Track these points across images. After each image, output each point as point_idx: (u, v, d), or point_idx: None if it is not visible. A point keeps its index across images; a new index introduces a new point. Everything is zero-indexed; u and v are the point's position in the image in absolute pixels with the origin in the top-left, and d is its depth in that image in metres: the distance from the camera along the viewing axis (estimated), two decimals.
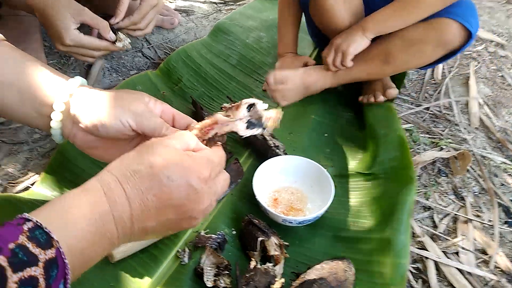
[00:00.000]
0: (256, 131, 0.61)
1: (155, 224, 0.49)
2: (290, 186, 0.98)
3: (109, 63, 1.33)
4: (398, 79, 1.26)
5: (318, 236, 0.91)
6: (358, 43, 1.09)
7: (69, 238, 0.42)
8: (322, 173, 0.95)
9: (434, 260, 0.95)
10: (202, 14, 1.65)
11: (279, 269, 0.82)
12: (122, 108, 0.58)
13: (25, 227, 0.39)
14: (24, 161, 1.03)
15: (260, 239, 0.82)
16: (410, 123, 1.29)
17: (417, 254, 0.96)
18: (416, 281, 0.92)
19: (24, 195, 0.89)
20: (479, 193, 1.11)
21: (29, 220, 0.40)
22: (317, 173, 0.96)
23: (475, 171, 1.16)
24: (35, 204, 0.84)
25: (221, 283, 0.78)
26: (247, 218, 0.87)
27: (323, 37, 1.22)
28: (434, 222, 1.04)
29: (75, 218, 0.44)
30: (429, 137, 1.25)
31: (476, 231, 1.01)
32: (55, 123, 0.60)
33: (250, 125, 0.61)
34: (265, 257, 0.83)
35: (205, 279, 0.78)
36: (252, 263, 0.80)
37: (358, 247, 0.88)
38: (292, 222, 0.88)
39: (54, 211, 0.44)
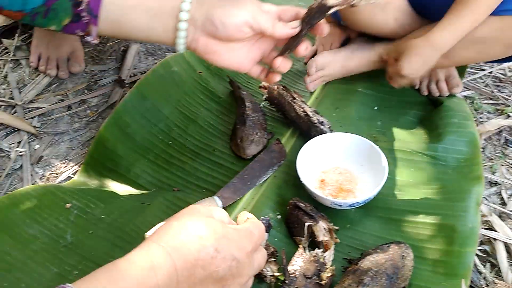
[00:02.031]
0: None
1: None
2: (338, 166, 0.91)
3: (144, 46, 1.31)
4: (461, 68, 1.13)
5: (370, 219, 0.84)
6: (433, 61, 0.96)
7: None
8: (374, 150, 0.87)
9: (503, 242, 0.85)
10: None
11: (329, 255, 0.76)
12: (238, 7, 0.62)
13: None
14: (65, 151, 1.03)
15: (307, 224, 0.77)
16: (470, 89, 1.16)
17: (484, 235, 0.86)
18: (484, 265, 0.83)
19: (66, 185, 0.89)
20: None
21: None
22: (368, 150, 0.88)
23: None
24: (76, 193, 0.83)
25: (267, 270, 0.74)
26: (292, 202, 0.82)
27: None
28: (502, 198, 0.94)
29: None
30: (493, 104, 1.12)
31: None
32: (182, 32, 0.63)
33: None
34: (314, 243, 0.78)
35: None
36: (300, 250, 0.75)
37: (415, 232, 0.80)
38: (341, 205, 0.81)
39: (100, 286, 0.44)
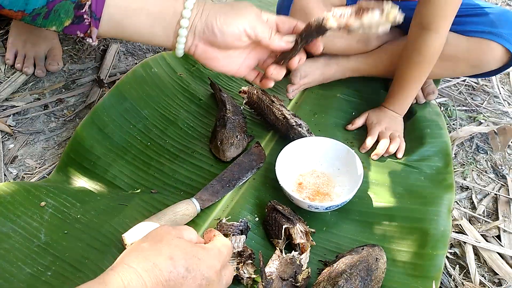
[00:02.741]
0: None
1: None
2: (316, 169, 0.92)
3: (124, 46, 1.29)
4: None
5: (346, 221, 0.85)
6: (400, 124, 1.02)
7: None
8: (350, 154, 0.89)
9: (472, 245, 0.88)
10: None
11: (305, 257, 0.77)
12: (237, 16, 0.65)
13: None
14: (40, 151, 1.01)
15: (284, 226, 0.78)
16: (445, 96, 1.20)
17: (454, 238, 0.89)
18: (453, 268, 0.85)
19: (41, 183, 0.87)
20: None
21: None
22: (345, 154, 0.90)
23: None
24: (52, 191, 0.82)
25: (244, 272, 0.74)
26: (270, 205, 0.82)
27: None
28: (472, 203, 0.97)
29: None
30: (465, 111, 1.16)
31: None
32: (182, 38, 0.65)
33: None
34: (290, 245, 0.79)
35: None
36: (277, 252, 0.76)
37: (389, 235, 0.82)
38: (318, 208, 0.82)
39: None
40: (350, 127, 1.03)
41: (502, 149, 1.06)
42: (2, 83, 1.14)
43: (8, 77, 1.15)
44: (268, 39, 0.66)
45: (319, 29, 0.64)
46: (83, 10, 0.61)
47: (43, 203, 0.79)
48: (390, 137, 0.98)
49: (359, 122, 1.03)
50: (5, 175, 0.95)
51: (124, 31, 0.65)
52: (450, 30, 0.93)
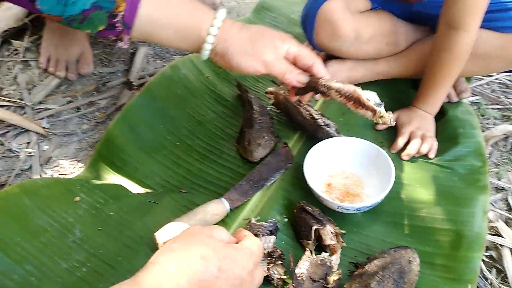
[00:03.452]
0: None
1: None
2: (345, 170, 0.91)
3: (152, 49, 1.31)
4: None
5: (377, 223, 0.84)
6: (432, 124, 1.00)
7: None
8: (380, 155, 0.87)
9: (510, 248, 0.85)
10: None
11: (335, 259, 0.77)
12: (255, 56, 0.72)
13: None
14: (73, 152, 1.04)
15: (314, 227, 0.77)
16: (477, 95, 1.16)
17: (490, 241, 0.86)
18: (490, 271, 0.83)
19: (74, 178, 0.89)
20: None
21: None
22: (375, 154, 0.88)
23: None
24: (85, 187, 0.83)
25: (274, 273, 0.74)
26: (299, 205, 0.82)
27: None
28: (508, 204, 0.94)
29: None
30: (499, 110, 1.12)
31: None
32: (206, 52, 0.73)
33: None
34: (320, 247, 0.78)
35: None
36: (307, 253, 0.75)
37: (422, 237, 0.80)
38: (348, 209, 0.81)
39: None
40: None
41: None
42: (36, 86, 1.18)
43: (42, 81, 1.19)
44: (281, 77, 0.74)
45: (324, 93, 0.75)
46: (116, 19, 0.66)
47: (77, 198, 0.80)
48: (421, 137, 0.96)
49: None
50: (40, 175, 0.98)
51: (153, 40, 0.72)
52: (483, 27, 0.91)
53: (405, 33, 1.06)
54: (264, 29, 0.75)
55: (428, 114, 0.99)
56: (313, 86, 0.76)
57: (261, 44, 0.72)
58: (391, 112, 0.75)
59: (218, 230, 0.57)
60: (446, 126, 1.01)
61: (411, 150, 0.94)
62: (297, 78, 0.75)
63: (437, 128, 1.00)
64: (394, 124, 0.76)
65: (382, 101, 0.75)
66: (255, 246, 0.57)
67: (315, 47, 1.05)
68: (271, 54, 0.72)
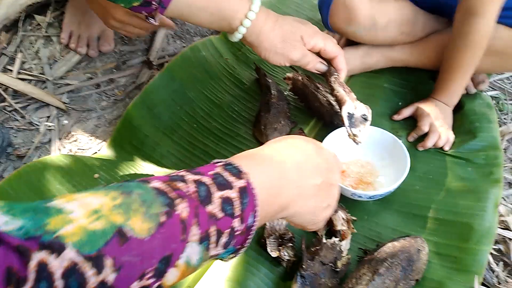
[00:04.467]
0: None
1: (304, 186, 0.50)
2: (360, 158, 0.92)
3: (172, 30, 1.32)
4: None
5: (388, 212, 0.85)
6: (450, 116, 1.00)
7: (257, 174, 0.44)
8: (396, 144, 0.88)
9: None
10: None
11: (345, 244, 0.78)
12: (283, 56, 0.77)
13: (218, 164, 0.44)
14: (92, 128, 1.06)
15: None
16: (496, 89, 1.15)
17: (499, 234, 0.87)
18: (497, 264, 0.84)
19: (94, 156, 0.92)
20: None
21: (219, 162, 0.45)
22: (390, 144, 0.89)
23: None
24: (104, 165, 0.86)
25: (284, 254, 0.76)
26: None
27: None
28: None
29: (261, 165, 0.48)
30: None
31: None
32: (236, 38, 0.76)
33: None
34: (331, 232, 0.79)
35: (268, 249, 0.76)
36: (318, 237, 0.77)
37: (432, 227, 0.81)
38: (361, 197, 0.82)
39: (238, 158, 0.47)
40: (396, 117, 1.02)
41: None
42: (57, 61, 1.19)
43: (63, 56, 1.21)
44: (303, 66, 0.80)
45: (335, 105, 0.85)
46: None
47: (96, 175, 0.83)
48: (439, 129, 0.96)
49: (406, 112, 1.01)
50: (59, 149, 1.01)
51: (184, 19, 0.74)
52: (500, 23, 0.89)
53: (424, 24, 1.05)
54: (297, 27, 0.78)
55: (446, 106, 0.99)
56: (325, 76, 0.83)
57: (291, 44, 0.76)
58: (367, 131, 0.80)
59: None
60: (464, 120, 1.01)
61: (429, 143, 0.94)
62: (316, 66, 0.81)
63: (454, 121, 1.00)
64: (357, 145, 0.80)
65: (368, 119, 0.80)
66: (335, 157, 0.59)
67: (330, 29, 1.05)
68: (298, 53, 0.77)
